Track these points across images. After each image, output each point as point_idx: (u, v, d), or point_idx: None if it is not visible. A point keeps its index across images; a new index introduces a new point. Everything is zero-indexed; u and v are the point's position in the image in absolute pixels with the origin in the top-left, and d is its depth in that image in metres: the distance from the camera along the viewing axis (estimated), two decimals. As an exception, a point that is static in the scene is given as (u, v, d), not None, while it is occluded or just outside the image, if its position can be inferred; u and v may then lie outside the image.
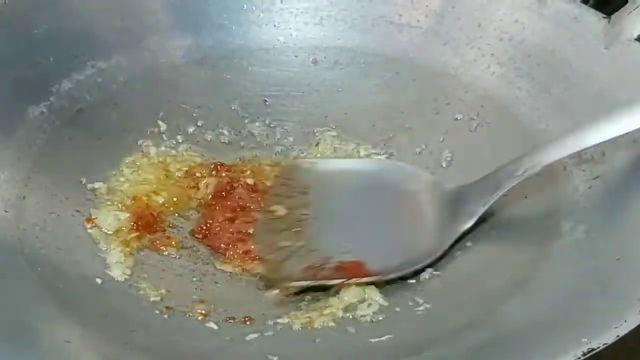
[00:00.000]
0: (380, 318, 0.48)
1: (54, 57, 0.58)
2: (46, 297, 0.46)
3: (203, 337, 0.47)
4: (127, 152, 0.59)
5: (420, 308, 0.48)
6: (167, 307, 0.49)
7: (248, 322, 0.48)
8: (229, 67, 0.65)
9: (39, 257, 0.49)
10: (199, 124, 0.62)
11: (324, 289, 0.50)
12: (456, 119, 0.60)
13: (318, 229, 0.53)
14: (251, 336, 0.47)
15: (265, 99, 0.64)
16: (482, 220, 0.51)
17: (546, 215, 0.50)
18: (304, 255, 0.51)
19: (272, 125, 0.63)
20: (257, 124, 0.63)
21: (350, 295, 0.49)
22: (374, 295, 0.49)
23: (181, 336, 0.47)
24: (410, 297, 0.49)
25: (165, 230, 0.55)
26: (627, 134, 0.46)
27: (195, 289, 0.51)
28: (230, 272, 0.53)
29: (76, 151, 0.57)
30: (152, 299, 0.50)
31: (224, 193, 0.57)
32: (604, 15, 0.56)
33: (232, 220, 0.55)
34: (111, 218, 0.54)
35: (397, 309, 0.48)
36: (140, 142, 0.60)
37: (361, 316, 0.48)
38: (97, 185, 0.56)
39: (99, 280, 0.50)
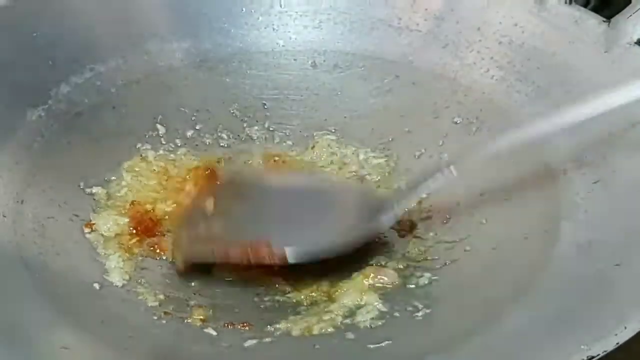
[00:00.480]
0: (380, 323, 0.48)
1: (53, 60, 0.58)
2: (44, 303, 0.45)
3: (201, 343, 0.47)
4: (125, 155, 0.59)
5: (420, 313, 0.48)
6: (165, 313, 0.49)
7: (247, 328, 0.48)
8: (227, 70, 0.65)
9: (37, 262, 0.49)
10: (198, 127, 0.62)
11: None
12: (455, 122, 0.60)
13: (239, 223, 0.53)
14: (250, 342, 0.47)
15: (264, 102, 0.64)
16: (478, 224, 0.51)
17: (546, 219, 0.50)
18: (215, 240, 0.52)
19: (271, 129, 0.63)
20: (256, 127, 0.63)
21: (349, 299, 0.49)
22: (373, 301, 0.49)
23: (179, 342, 0.47)
24: (409, 303, 0.49)
25: (164, 235, 0.55)
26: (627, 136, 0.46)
27: (194, 294, 0.51)
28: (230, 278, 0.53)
29: (74, 155, 0.57)
30: (150, 304, 0.49)
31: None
32: (604, 19, 0.56)
33: None
34: (110, 223, 0.54)
35: (397, 314, 0.48)
36: (138, 145, 0.60)
37: (360, 322, 0.48)
38: (95, 189, 0.56)
39: (97, 286, 0.49)
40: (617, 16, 0.55)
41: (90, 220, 0.54)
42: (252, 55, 0.65)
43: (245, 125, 0.63)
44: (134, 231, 0.54)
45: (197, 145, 0.62)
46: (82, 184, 0.56)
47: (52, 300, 0.46)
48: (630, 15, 0.54)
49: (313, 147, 0.62)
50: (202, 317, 0.49)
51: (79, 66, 0.60)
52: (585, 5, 0.60)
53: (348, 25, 0.65)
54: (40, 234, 0.51)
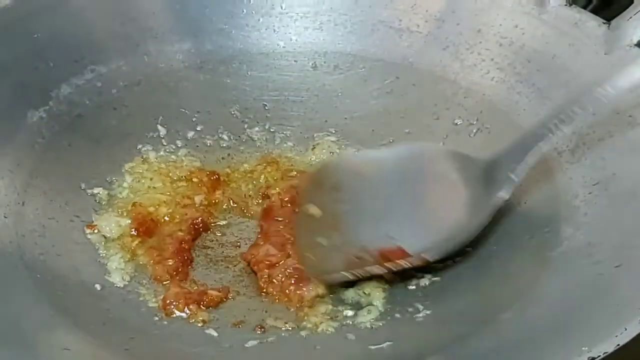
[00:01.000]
0: (380, 324, 0.48)
1: (54, 61, 0.58)
2: (45, 304, 0.46)
3: (202, 344, 0.47)
4: (126, 157, 0.59)
5: (420, 314, 0.48)
6: (166, 314, 0.49)
7: (257, 329, 0.48)
8: (228, 71, 0.65)
9: (38, 263, 0.49)
10: (199, 128, 0.62)
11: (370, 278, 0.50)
12: (456, 123, 0.60)
13: (353, 222, 0.52)
14: (251, 343, 0.47)
15: (265, 103, 0.64)
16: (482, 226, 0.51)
17: (546, 222, 0.50)
18: (343, 250, 0.51)
19: (271, 130, 0.63)
20: (256, 128, 0.63)
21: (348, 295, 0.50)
22: (375, 301, 0.49)
23: (180, 343, 0.47)
24: (410, 304, 0.49)
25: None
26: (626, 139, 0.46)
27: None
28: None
29: (75, 156, 0.57)
30: (151, 305, 0.50)
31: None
32: (604, 21, 0.56)
33: None
34: (113, 224, 0.54)
35: (397, 315, 0.48)
36: (139, 147, 0.60)
37: (361, 322, 0.48)
38: (96, 190, 0.56)
39: (98, 287, 0.50)
40: (617, 18, 0.55)
41: (92, 222, 0.54)
42: (253, 56, 0.65)
43: (245, 126, 0.63)
44: (137, 232, 0.54)
45: (197, 146, 0.62)
46: (83, 185, 0.56)
47: (52, 301, 0.46)
48: (631, 17, 0.54)
49: (313, 148, 0.62)
50: (203, 318, 0.49)
51: (80, 67, 0.60)
52: (586, 6, 0.60)
53: (349, 27, 0.65)
54: (41, 234, 0.51)
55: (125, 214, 0.55)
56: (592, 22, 0.57)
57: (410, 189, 0.53)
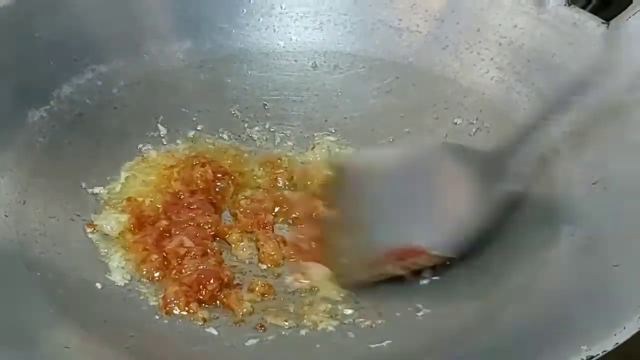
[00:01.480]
0: (380, 322, 0.48)
1: (54, 61, 0.59)
2: (46, 302, 0.46)
3: (203, 343, 0.47)
4: (127, 156, 0.59)
5: (420, 313, 0.48)
6: (167, 312, 0.49)
7: (257, 328, 0.48)
8: (228, 71, 0.65)
9: (39, 261, 0.49)
10: (199, 128, 0.62)
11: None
12: (455, 123, 0.60)
13: (370, 224, 0.53)
14: (251, 342, 0.47)
15: (265, 103, 0.65)
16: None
17: (545, 220, 0.50)
18: (364, 252, 0.51)
19: (271, 130, 0.63)
20: (256, 128, 0.63)
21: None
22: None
23: (181, 341, 0.47)
24: (410, 303, 0.49)
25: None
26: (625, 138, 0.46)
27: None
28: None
29: (76, 155, 0.57)
30: (152, 304, 0.50)
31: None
32: (603, 21, 0.56)
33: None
34: (113, 222, 0.54)
35: (397, 314, 0.49)
36: (140, 146, 0.60)
37: (361, 321, 0.48)
38: (97, 189, 0.56)
39: (99, 285, 0.50)
40: (616, 18, 0.55)
41: (93, 221, 0.54)
42: (253, 56, 0.66)
43: (246, 125, 0.63)
44: (134, 227, 0.54)
45: (198, 145, 0.62)
46: (83, 184, 0.56)
47: (53, 299, 0.46)
48: (630, 17, 0.54)
49: (313, 148, 0.62)
50: (203, 316, 0.49)
51: (81, 67, 0.60)
52: (585, 6, 0.60)
53: (348, 27, 0.66)
54: (42, 233, 0.51)
55: (122, 210, 0.55)
56: (591, 22, 0.57)
57: (420, 187, 0.53)
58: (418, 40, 0.64)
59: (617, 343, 0.37)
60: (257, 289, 0.51)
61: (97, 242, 0.53)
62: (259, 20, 0.66)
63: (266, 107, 0.64)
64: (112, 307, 0.49)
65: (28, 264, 0.48)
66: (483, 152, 0.52)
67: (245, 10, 0.66)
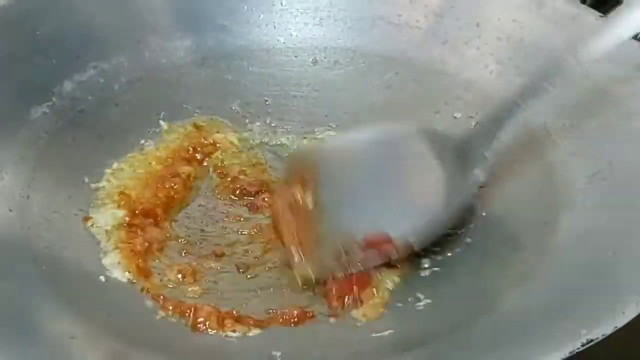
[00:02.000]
0: (382, 312, 0.48)
1: (56, 58, 0.59)
2: (51, 295, 0.46)
3: (206, 333, 0.47)
4: (129, 151, 0.59)
5: (421, 303, 0.49)
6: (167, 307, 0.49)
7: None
8: (229, 67, 0.65)
9: (43, 255, 0.49)
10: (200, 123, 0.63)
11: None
12: (455, 117, 0.61)
13: (337, 211, 0.52)
14: (254, 332, 0.47)
15: (266, 99, 0.65)
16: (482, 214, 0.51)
17: (545, 210, 0.50)
18: (331, 243, 0.51)
19: (272, 125, 0.64)
20: (257, 123, 0.64)
21: None
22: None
23: (184, 332, 0.47)
24: (411, 293, 0.49)
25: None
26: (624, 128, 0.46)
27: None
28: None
29: (79, 151, 0.57)
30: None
31: None
32: (601, 15, 0.56)
33: None
34: (108, 217, 0.54)
35: (399, 304, 0.49)
36: (142, 142, 0.60)
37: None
38: (100, 184, 0.56)
39: (102, 278, 0.50)
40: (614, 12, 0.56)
41: (89, 214, 0.54)
42: (254, 52, 0.66)
43: (247, 121, 0.64)
44: (129, 221, 0.54)
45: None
46: (86, 179, 0.56)
47: (58, 292, 0.46)
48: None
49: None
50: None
51: (82, 64, 0.61)
52: (583, 2, 0.61)
53: (348, 22, 0.66)
54: (46, 228, 0.51)
55: (117, 206, 0.55)
56: (589, 16, 0.57)
57: (388, 173, 0.53)
58: (418, 36, 0.64)
59: (616, 327, 0.38)
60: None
61: (99, 236, 0.53)
62: (260, 16, 0.66)
63: (267, 103, 0.65)
64: (115, 301, 0.49)
65: (33, 257, 0.48)
66: (451, 138, 0.53)
67: (245, 7, 0.66)
